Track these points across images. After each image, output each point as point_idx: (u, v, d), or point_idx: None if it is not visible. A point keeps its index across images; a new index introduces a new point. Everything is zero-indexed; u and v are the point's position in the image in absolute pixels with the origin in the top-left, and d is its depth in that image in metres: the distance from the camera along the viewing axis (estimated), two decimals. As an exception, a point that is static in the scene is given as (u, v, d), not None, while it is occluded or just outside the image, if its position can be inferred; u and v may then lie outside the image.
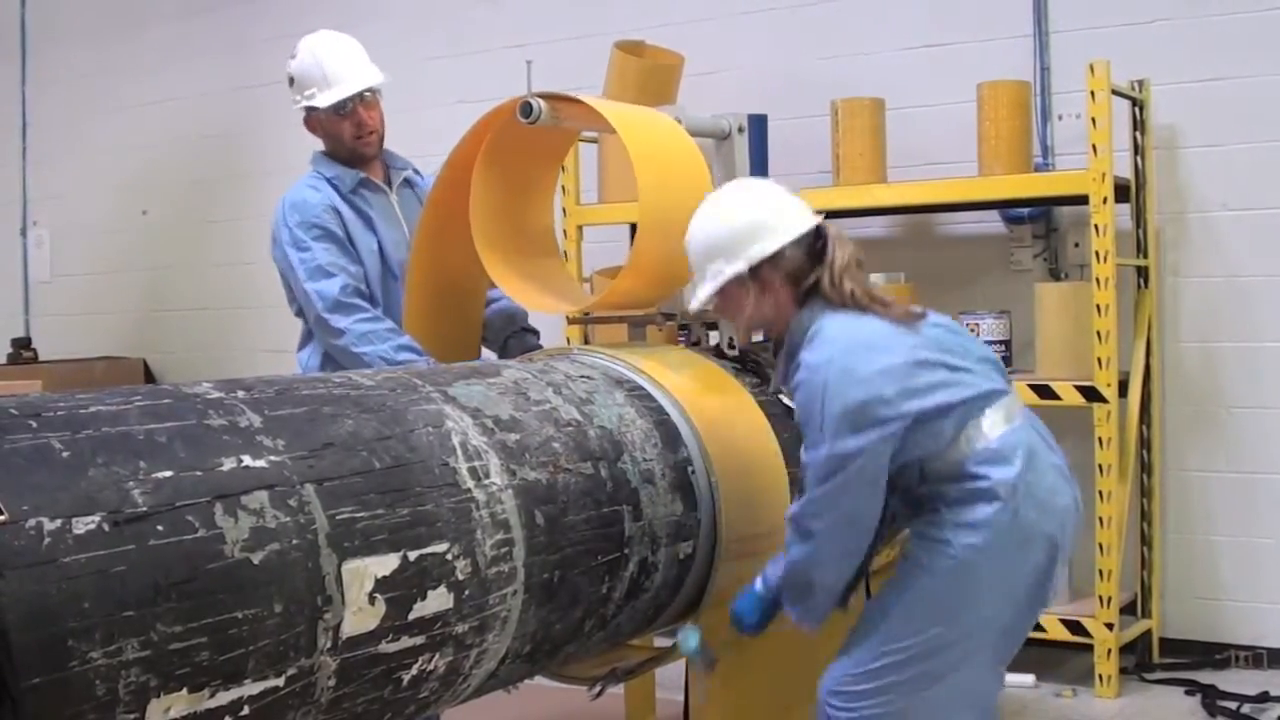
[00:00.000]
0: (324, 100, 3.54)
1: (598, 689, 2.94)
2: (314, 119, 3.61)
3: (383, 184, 3.65)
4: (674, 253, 3.13)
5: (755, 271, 2.65)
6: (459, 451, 2.26)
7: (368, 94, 3.58)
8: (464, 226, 3.29)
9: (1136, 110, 4.79)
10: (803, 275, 2.65)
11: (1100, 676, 4.46)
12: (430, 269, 3.47)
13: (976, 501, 2.57)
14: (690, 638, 2.74)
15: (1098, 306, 4.42)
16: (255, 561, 1.84)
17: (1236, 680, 4.54)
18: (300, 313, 3.57)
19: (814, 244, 2.68)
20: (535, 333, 3.78)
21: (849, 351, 2.55)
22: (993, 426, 2.59)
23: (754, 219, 2.67)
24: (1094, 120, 4.42)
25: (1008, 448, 2.57)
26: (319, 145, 3.68)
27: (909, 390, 2.52)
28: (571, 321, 3.70)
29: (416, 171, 3.76)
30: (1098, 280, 4.43)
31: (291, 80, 3.61)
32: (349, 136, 3.58)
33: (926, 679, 2.58)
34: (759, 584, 2.73)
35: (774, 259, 2.65)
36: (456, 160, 3.34)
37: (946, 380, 2.57)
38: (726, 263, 2.66)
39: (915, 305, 2.72)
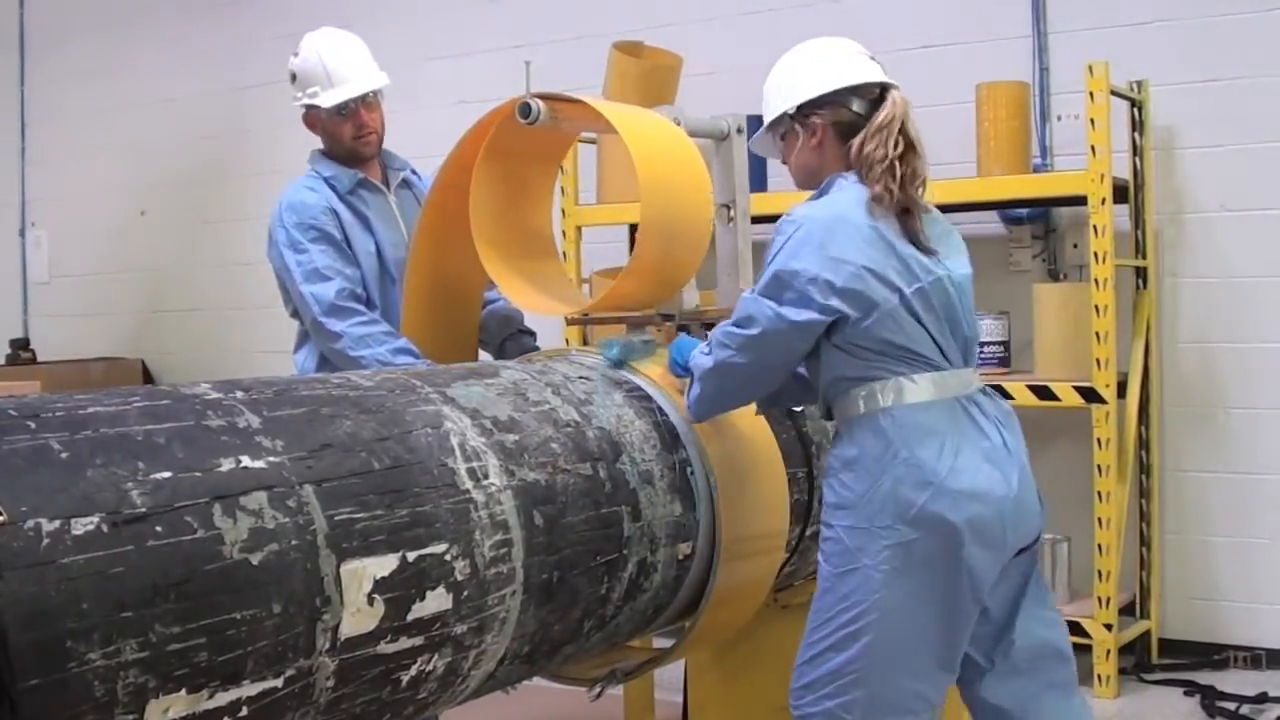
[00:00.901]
0: (326, 100, 3.53)
1: (597, 690, 2.94)
2: (313, 117, 3.61)
3: (380, 184, 3.65)
4: (675, 254, 3.14)
5: (806, 117, 2.67)
6: (457, 452, 2.26)
7: (370, 96, 3.58)
8: (462, 228, 3.29)
9: (1135, 111, 4.80)
10: (857, 134, 2.63)
11: (1099, 677, 4.46)
12: (428, 270, 3.46)
13: (843, 472, 2.54)
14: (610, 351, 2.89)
15: (1096, 307, 4.42)
16: (254, 562, 1.84)
17: (1235, 681, 4.55)
18: (296, 314, 3.57)
19: (877, 106, 2.65)
20: (532, 334, 3.77)
21: (832, 224, 2.53)
22: (910, 393, 2.52)
23: (807, 64, 2.71)
24: (1093, 121, 4.43)
25: (902, 421, 2.50)
26: (317, 144, 3.67)
27: (849, 291, 2.48)
28: (570, 322, 3.69)
29: (414, 172, 3.76)
30: (1096, 281, 4.43)
31: (293, 77, 3.60)
32: (349, 137, 3.58)
33: (849, 676, 2.49)
34: (695, 352, 2.74)
35: (824, 107, 2.65)
36: (455, 162, 3.34)
37: (894, 314, 2.51)
38: (779, 103, 2.70)
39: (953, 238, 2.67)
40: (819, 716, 2.53)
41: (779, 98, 2.71)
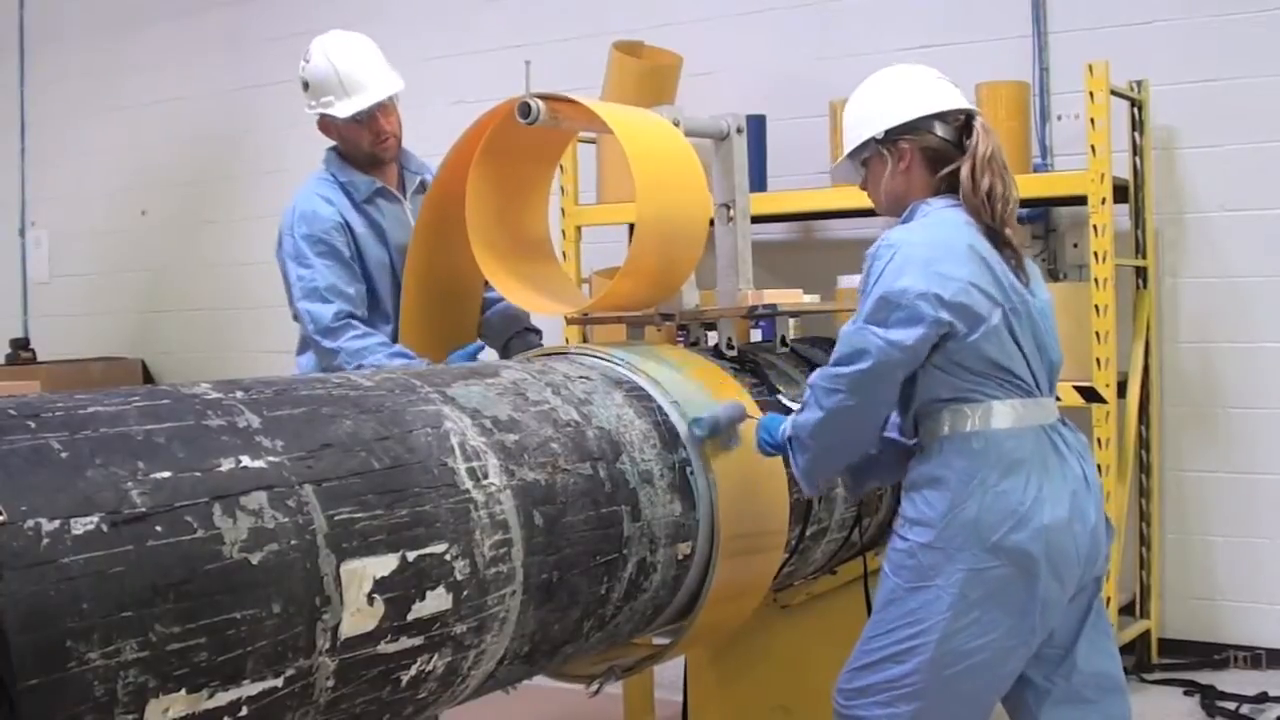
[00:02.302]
0: (342, 110, 3.46)
1: (596, 686, 2.94)
2: (328, 123, 3.55)
3: (397, 191, 3.60)
4: (672, 253, 3.14)
5: (894, 143, 2.67)
6: (457, 452, 2.26)
7: (386, 101, 3.50)
8: (461, 227, 3.29)
9: (1135, 111, 4.80)
10: (944, 159, 2.64)
11: (1099, 677, 4.46)
12: (427, 269, 3.46)
13: (926, 488, 2.55)
14: (699, 426, 2.76)
15: (1096, 307, 4.42)
16: (254, 562, 1.84)
17: (1235, 681, 4.55)
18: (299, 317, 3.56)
19: (963, 133, 2.65)
20: (538, 333, 3.75)
21: (932, 244, 2.54)
22: (1000, 418, 2.54)
23: (895, 90, 2.70)
24: (1093, 121, 4.43)
25: (992, 446, 2.52)
26: (324, 142, 3.62)
27: (957, 305, 2.49)
28: (570, 322, 3.69)
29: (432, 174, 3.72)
30: (1096, 281, 4.43)
31: (305, 85, 3.52)
32: (367, 144, 3.51)
33: (904, 689, 2.53)
34: (787, 423, 2.69)
35: (912, 132, 2.65)
36: (454, 161, 3.34)
37: (996, 331, 2.53)
38: (866, 129, 2.69)
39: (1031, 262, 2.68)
40: None
41: (866, 124, 2.71)
